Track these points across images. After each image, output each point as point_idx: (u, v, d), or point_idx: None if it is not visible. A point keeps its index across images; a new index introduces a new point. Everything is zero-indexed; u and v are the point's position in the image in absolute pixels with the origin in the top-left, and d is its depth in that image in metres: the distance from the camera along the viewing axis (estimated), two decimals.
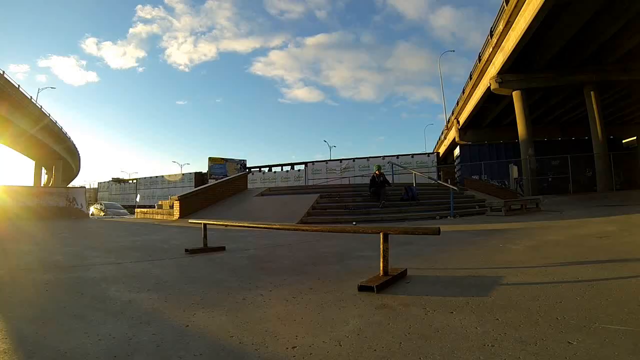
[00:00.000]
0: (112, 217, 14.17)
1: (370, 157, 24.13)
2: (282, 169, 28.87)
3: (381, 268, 2.08)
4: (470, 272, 2.35)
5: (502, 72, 15.63)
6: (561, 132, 23.11)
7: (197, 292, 1.98)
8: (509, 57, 14.43)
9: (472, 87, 19.72)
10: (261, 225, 3.89)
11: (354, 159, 24.65)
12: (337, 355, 1.13)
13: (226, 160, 26.43)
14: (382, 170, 9.24)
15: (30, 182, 33.30)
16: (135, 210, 14.03)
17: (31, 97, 24.31)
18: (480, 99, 19.05)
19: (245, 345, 1.23)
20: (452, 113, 26.20)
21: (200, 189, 10.87)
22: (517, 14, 12.84)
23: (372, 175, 9.51)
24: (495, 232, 4.78)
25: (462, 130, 23.99)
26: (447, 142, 27.83)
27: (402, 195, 8.94)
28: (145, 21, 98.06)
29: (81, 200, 10.70)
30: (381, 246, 2.08)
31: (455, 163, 21.13)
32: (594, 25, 12.86)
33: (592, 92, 15.03)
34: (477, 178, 16.21)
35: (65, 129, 31.76)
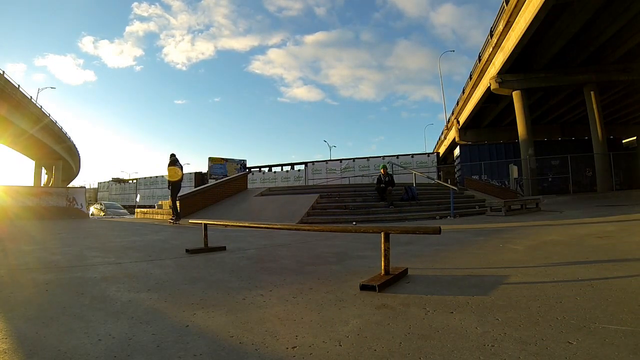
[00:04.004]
0: (112, 217, 14.16)
1: (370, 157, 24.14)
2: (282, 169, 28.88)
3: (382, 267, 2.08)
4: (470, 272, 2.35)
5: (502, 72, 15.64)
6: (561, 132, 23.13)
7: (197, 292, 1.98)
8: (509, 57, 14.43)
9: (472, 87, 19.73)
10: (261, 225, 3.90)
11: (354, 159, 24.65)
12: (337, 355, 1.13)
13: (226, 160, 26.45)
14: (387, 170, 9.24)
15: (30, 182, 33.29)
16: (135, 210, 14.03)
17: (31, 97, 24.32)
18: (480, 99, 19.06)
19: (245, 345, 1.23)
20: (452, 113, 26.20)
21: (200, 189, 10.87)
22: (517, 14, 12.85)
23: (378, 174, 9.53)
24: (495, 232, 4.78)
25: (462, 130, 23.99)
26: (447, 142, 27.83)
27: (402, 195, 8.94)
28: (142, 19, 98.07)
29: (81, 200, 10.70)
30: (382, 246, 2.08)
31: (455, 163, 21.13)
32: (594, 25, 12.86)
33: (592, 92, 15.04)
34: (477, 178, 16.22)
35: (65, 129, 31.77)
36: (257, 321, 1.47)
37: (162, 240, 4.59)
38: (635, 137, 23.04)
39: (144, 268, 2.69)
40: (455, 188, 9.17)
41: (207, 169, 26.59)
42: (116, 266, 2.78)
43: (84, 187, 14.23)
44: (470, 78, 19.97)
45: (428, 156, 23.76)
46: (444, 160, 27.74)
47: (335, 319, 1.48)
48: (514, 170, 16.00)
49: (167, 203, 10.93)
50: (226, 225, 4.91)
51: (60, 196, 10.43)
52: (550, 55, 14.82)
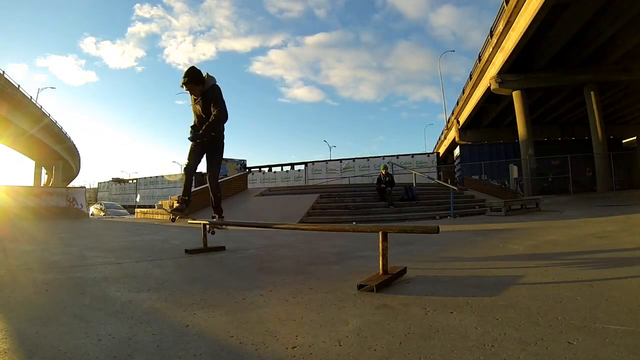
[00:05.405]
0: (112, 217, 14.17)
1: (370, 157, 24.13)
2: (282, 169, 28.89)
3: (380, 267, 2.08)
4: (470, 272, 2.35)
5: (502, 72, 15.64)
6: (561, 132, 23.12)
7: (197, 292, 1.98)
8: (509, 57, 14.43)
9: (472, 87, 19.72)
10: (261, 225, 3.89)
11: (354, 159, 24.65)
12: (337, 355, 1.13)
13: (226, 160, 26.39)
14: (388, 171, 9.24)
15: (30, 182, 33.29)
16: (135, 210, 14.03)
17: (31, 97, 24.33)
18: (480, 99, 19.06)
19: (245, 345, 1.23)
20: (452, 113, 26.20)
21: (200, 189, 10.85)
22: (517, 14, 12.85)
23: (378, 175, 9.55)
24: (495, 232, 4.78)
25: (462, 130, 23.99)
26: (447, 142, 27.83)
27: (402, 196, 8.94)
28: (144, 20, 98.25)
29: (81, 200, 10.70)
30: (380, 245, 2.08)
31: (455, 163, 21.13)
32: (594, 25, 12.87)
33: (592, 92, 15.04)
34: (477, 178, 16.21)
35: (65, 129, 31.77)
36: (257, 321, 1.47)
37: (162, 240, 4.59)
38: (635, 137, 23.04)
39: (144, 268, 2.69)
40: (455, 188, 9.16)
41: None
42: (116, 266, 2.78)
43: (84, 187, 14.23)
44: (470, 78, 19.97)
45: (428, 156, 23.75)
46: (444, 160, 27.73)
47: (335, 319, 1.48)
48: (514, 170, 15.99)
49: (167, 203, 10.91)
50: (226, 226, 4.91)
51: (61, 196, 10.43)
52: (550, 55, 14.82)
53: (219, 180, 3.76)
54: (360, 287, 1.89)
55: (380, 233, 2.07)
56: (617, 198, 11.68)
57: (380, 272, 2.07)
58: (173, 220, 3.66)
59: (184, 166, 3.46)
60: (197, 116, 3.33)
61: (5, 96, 20.59)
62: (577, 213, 7.30)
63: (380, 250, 2.08)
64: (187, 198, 3.47)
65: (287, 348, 1.19)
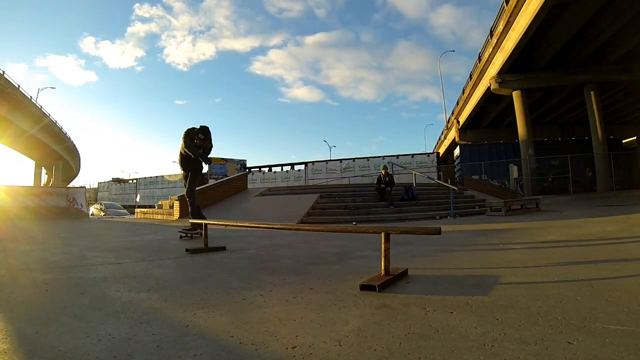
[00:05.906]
0: (112, 217, 14.16)
1: (370, 157, 24.15)
2: (282, 169, 28.89)
3: (382, 267, 2.08)
4: (470, 272, 2.35)
5: (502, 72, 15.63)
6: (561, 132, 23.11)
7: (197, 292, 1.98)
8: (509, 57, 14.43)
9: (472, 87, 19.72)
10: (261, 225, 3.90)
11: (354, 159, 24.66)
12: (337, 355, 1.13)
13: (226, 160, 26.37)
14: (388, 171, 9.24)
15: (30, 182, 33.29)
16: (135, 210, 14.03)
17: (31, 97, 24.34)
18: (480, 99, 19.05)
19: (245, 345, 1.23)
20: (452, 113, 26.20)
21: (200, 189, 10.86)
22: (517, 14, 12.85)
23: (378, 175, 9.56)
24: (495, 232, 4.78)
25: (462, 130, 23.98)
26: (447, 142, 27.83)
27: (402, 196, 8.93)
28: (144, 20, 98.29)
29: (81, 200, 10.70)
30: (382, 246, 2.07)
31: (455, 163, 21.13)
32: (594, 25, 12.86)
33: (592, 92, 15.03)
34: (477, 178, 16.21)
35: (65, 129, 31.78)
36: (257, 321, 1.47)
37: (162, 240, 4.59)
38: (635, 137, 23.05)
39: (144, 268, 2.69)
40: (455, 188, 9.16)
41: (207, 169, 26.59)
42: (116, 266, 2.78)
43: (84, 187, 14.23)
44: (470, 78, 19.97)
45: (428, 156, 23.77)
46: (444, 160, 27.73)
47: (335, 319, 1.48)
48: (514, 170, 15.99)
49: (167, 203, 10.91)
50: (226, 225, 4.91)
51: (61, 196, 10.43)
52: (550, 55, 14.82)
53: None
54: (363, 287, 1.89)
55: (382, 234, 2.07)
56: (617, 198, 11.68)
57: (382, 272, 2.07)
58: (185, 237, 4.52)
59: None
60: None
61: (5, 96, 20.59)
62: (577, 213, 7.30)
63: (383, 251, 2.08)
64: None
65: (287, 348, 1.19)
